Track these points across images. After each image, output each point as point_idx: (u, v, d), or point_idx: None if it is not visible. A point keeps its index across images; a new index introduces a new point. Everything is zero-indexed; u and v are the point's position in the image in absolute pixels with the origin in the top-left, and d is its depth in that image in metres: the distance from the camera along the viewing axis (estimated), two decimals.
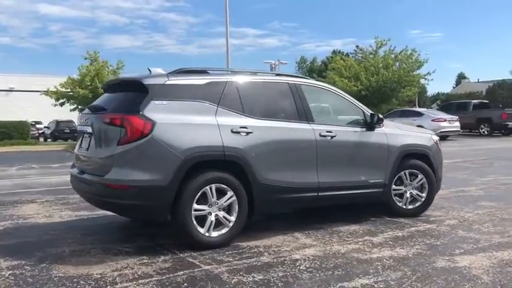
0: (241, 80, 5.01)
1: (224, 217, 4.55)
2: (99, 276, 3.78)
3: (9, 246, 4.74)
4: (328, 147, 5.24)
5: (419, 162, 5.95)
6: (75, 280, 3.69)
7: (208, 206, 4.48)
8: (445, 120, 21.93)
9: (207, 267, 3.98)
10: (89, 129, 4.74)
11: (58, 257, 4.33)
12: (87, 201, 5.03)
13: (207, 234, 4.46)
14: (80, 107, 23.36)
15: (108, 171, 4.29)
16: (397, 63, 27.83)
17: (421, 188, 5.97)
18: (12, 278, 3.76)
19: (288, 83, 5.28)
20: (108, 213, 5.79)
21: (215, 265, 4.02)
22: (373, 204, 6.08)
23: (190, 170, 4.35)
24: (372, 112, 5.73)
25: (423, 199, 5.95)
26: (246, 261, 4.14)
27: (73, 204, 6.91)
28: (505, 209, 6.32)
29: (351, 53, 40.83)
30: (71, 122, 33.49)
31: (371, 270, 3.86)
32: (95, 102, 5.15)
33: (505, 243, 4.67)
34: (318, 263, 4.08)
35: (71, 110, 23.94)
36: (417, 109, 27.13)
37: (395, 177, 5.80)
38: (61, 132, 34.17)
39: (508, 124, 24.90)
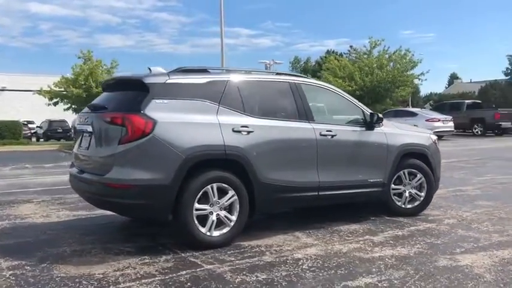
0: (241, 79, 5.00)
1: (225, 216, 4.54)
2: (101, 276, 3.75)
3: (8, 246, 4.69)
4: (329, 147, 5.24)
5: (418, 161, 5.97)
6: (77, 280, 3.66)
7: (210, 206, 4.47)
8: (439, 120, 22.05)
9: (209, 266, 3.96)
10: (89, 128, 4.70)
11: (59, 257, 4.30)
12: (87, 200, 4.99)
13: (208, 233, 4.45)
14: (73, 106, 23.23)
15: (109, 171, 4.26)
16: (391, 64, 27.98)
17: (419, 188, 5.99)
18: (13, 278, 3.72)
19: (288, 82, 5.28)
20: (107, 213, 5.77)
21: (217, 265, 4.01)
22: (372, 204, 6.10)
23: (191, 169, 4.33)
24: (372, 111, 5.74)
25: (422, 198, 5.97)
26: (249, 260, 4.13)
27: (70, 204, 6.86)
28: (503, 208, 6.35)
29: (344, 53, 40.98)
30: (64, 121, 33.35)
31: (374, 269, 3.87)
32: (95, 101, 5.11)
33: (505, 242, 4.69)
34: (321, 262, 4.07)
35: (64, 110, 23.79)
36: (411, 109, 27.25)
37: (395, 177, 5.82)
38: (54, 132, 33.94)
39: (501, 124, 25.10)
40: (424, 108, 36.73)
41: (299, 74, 5.89)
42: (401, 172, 5.87)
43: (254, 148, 4.66)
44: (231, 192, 4.55)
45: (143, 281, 3.64)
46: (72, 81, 22.30)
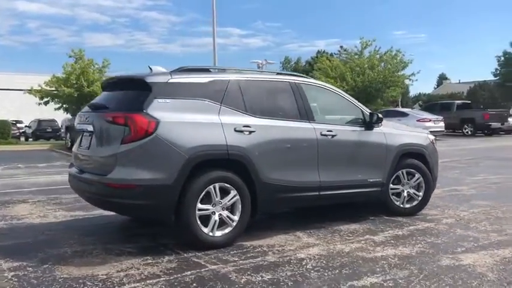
0: (243, 78, 4.99)
1: (228, 217, 4.53)
2: (104, 277, 3.72)
3: (7, 247, 4.64)
4: (329, 147, 5.25)
5: (417, 161, 6.01)
6: (80, 281, 3.62)
7: (212, 206, 4.46)
8: (430, 121, 22.18)
9: (213, 267, 3.95)
10: (90, 128, 4.66)
11: (60, 257, 4.26)
12: (87, 200, 4.95)
13: (210, 233, 4.43)
14: (64, 105, 23.00)
15: (110, 171, 4.22)
16: (382, 64, 28.11)
17: (418, 187, 6.02)
18: (16, 279, 3.68)
19: (289, 82, 5.29)
20: (105, 213, 5.74)
21: (221, 265, 4.00)
22: (370, 203, 6.13)
23: (194, 169, 4.31)
24: (371, 111, 5.77)
25: (420, 198, 6.01)
26: (252, 260, 4.12)
27: (67, 204, 6.80)
28: (499, 207, 6.41)
29: (335, 53, 41.13)
30: (54, 121, 33.01)
31: (378, 269, 3.88)
32: (95, 101, 5.07)
33: (505, 241, 4.74)
34: (324, 262, 4.08)
35: (55, 109, 23.55)
36: (402, 109, 27.38)
37: (393, 177, 5.84)
38: (43, 131, 33.54)
39: (490, 124, 25.37)
40: (414, 108, 36.98)
41: (299, 74, 5.88)
42: (400, 172, 5.91)
43: (256, 148, 4.65)
44: (233, 192, 4.54)
45: (148, 281, 3.61)
46: (64, 81, 22.07)
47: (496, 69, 38.83)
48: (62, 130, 29.67)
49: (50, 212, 6.30)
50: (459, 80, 74.12)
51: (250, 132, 4.66)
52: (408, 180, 5.97)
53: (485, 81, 52.11)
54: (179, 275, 3.74)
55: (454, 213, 6.07)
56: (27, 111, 33.49)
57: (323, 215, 5.78)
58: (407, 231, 5.18)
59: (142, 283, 3.58)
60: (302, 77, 5.73)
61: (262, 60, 32.87)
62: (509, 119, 27.72)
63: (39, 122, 33.67)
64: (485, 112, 26.35)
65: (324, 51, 52.55)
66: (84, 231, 5.26)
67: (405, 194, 5.96)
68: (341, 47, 33.41)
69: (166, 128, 4.25)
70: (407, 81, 29.75)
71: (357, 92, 27.05)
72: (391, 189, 5.88)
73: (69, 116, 22.62)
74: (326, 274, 3.76)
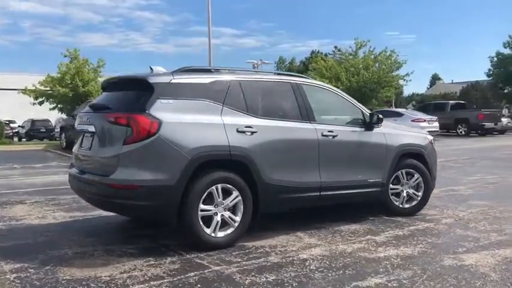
0: (244, 79, 4.98)
1: (230, 217, 4.52)
2: (108, 278, 3.70)
3: (8, 249, 4.60)
4: (330, 147, 5.26)
5: (416, 161, 6.03)
6: (84, 283, 3.60)
7: (214, 206, 4.45)
8: (424, 121, 22.27)
9: (216, 268, 3.94)
10: (91, 128, 4.63)
11: (61, 259, 4.23)
12: (87, 201, 4.93)
13: (213, 234, 4.43)
14: (59, 105, 22.86)
15: (113, 171, 4.20)
16: (377, 64, 28.21)
17: (417, 187, 6.05)
18: (18, 281, 3.65)
19: (290, 82, 5.29)
20: (103, 214, 5.72)
21: (225, 266, 3.99)
22: (369, 204, 6.14)
23: (196, 169, 4.30)
24: (371, 112, 5.78)
25: (419, 198, 6.03)
26: (255, 261, 4.12)
27: (65, 205, 6.76)
28: (497, 207, 6.45)
29: (329, 53, 41.19)
30: (47, 121, 32.85)
31: (381, 269, 3.89)
32: (96, 101, 5.05)
33: (505, 241, 4.77)
34: (327, 262, 4.08)
35: (50, 109, 23.40)
36: (397, 109, 27.47)
37: (393, 177, 5.86)
38: (36, 131, 33.33)
39: (484, 124, 25.52)
40: (407, 108, 37.14)
41: (300, 75, 5.89)
42: (399, 172, 5.93)
43: (258, 148, 4.65)
44: (235, 193, 4.53)
45: (152, 283, 3.60)
46: (58, 80, 21.94)
47: (489, 70, 39.02)
48: (56, 130, 29.56)
49: (48, 213, 6.26)
50: (452, 80, 74.70)
51: (252, 132, 4.66)
52: (407, 180, 5.99)
53: (477, 81, 52.45)
54: (183, 276, 3.73)
55: (453, 213, 6.10)
56: (21, 111, 33.20)
57: (323, 215, 5.79)
58: (408, 231, 5.20)
59: (146, 284, 3.56)
60: (302, 77, 5.74)
61: (257, 60, 32.96)
62: (503, 119, 27.96)
63: (33, 122, 33.46)
64: (480, 112, 26.50)
65: (318, 51, 52.70)
66: (84, 232, 5.22)
67: (404, 194, 5.98)
68: (335, 47, 33.55)
69: (169, 128, 4.23)
70: (401, 82, 29.89)
71: (352, 93, 27.06)
72: (391, 189, 5.90)
73: (63, 115, 22.52)
74: (330, 275, 3.76)
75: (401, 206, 5.98)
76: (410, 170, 6.00)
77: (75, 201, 6.88)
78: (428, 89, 77.44)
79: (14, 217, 6.02)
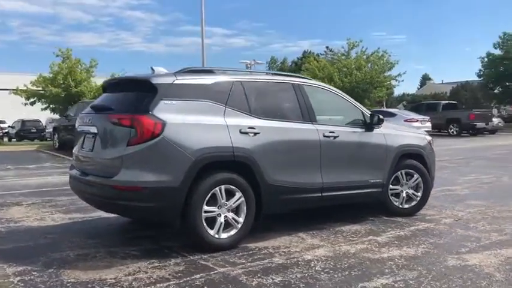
0: (246, 80, 4.98)
1: (233, 218, 4.51)
2: (113, 281, 3.67)
3: (9, 251, 4.55)
4: (332, 148, 5.27)
5: (415, 162, 6.06)
6: (89, 286, 3.58)
7: (218, 208, 4.44)
8: (417, 121, 22.40)
9: (222, 269, 3.93)
10: (93, 130, 4.59)
11: (64, 261, 4.19)
12: (89, 202, 4.89)
13: (216, 236, 4.41)
14: (51, 106, 22.66)
15: (116, 173, 4.17)
16: (369, 65, 28.33)
17: (416, 188, 6.08)
18: (22, 284, 3.61)
19: (291, 83, 5.29)
20: (103, 215, 5.69)
21: (230, 267, 3.98)
22: (368, 204, 6.16)
23: (200, 171, 4.29)
24: (372, 113, 5.80)
25: (418, 198, 6.06)
26: (260, 262, 4.11)
27: (62, 207, 6.70)
28: (494, 207, 6.50)
29: (321, 54, 41.30)
30: (38, 121, 32.59)
31: (386, 270, 3.90)
32: (97, 102, 5.00)
33: (506, 241, 4.81)
34: (332, 263, 4.09)
35: (42, 109, 23.19)
36: (390, 110, 27.59)
37: (393, 177, 5.88)
38: (27, 132, 33.04)
39: (476, 124, 25.72)
40: (399, 108, 37.33)
41: (300, 75, 5.89)
42: (399, 173, 5.95)
43: (261, 149, 4.64)
44: (238, 194, 4.52)
45: (158, 285, 3.58)
46: (51, 80, 21.75)
47: (480, 70, 39.35)
48: (47, 130, 29.31)
49: (46, 215, 6.20)
50: (442, 81, 75.23)
51: (255, 133, 4.65)
52: (407, 180, 6.02)
53: (467, 81, 52.88)
54: (189, 278, 3.71)
55: (452, 213, 6.14)
56: (13, 111, 32.85)
57: (323, 215, 5.80)
58: (409, 231, 5.22)
59: (153, 287, 3.54)
60: (303, 77, 5.75)
61: (250, 60, 32.91)
62: (494, 119, 28.21)
63: (23, 122, 33.18)
64: (471, 112, 26.70)
65: (310, 52, 52.79)
66: (84, 234, 5.18)
67: (404, 194, 6.01)
68: (327, 47, 33.66)
69: (173, 129, 4.21)
70: (393, 82, 30.05)
71: (345, 93, 27.21)
72: (390, 189, 5.92)
73: (54, 116, 22.32)
74: (336, 276, 3.77)
75: (400, 206, 6.00)
76: (410, 171, 6.03)
77: (72, 203, 6.83)
78: (418, 89, 78.00)
79: (12, 219, 5.96)
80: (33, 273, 3.86)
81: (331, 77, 27.74)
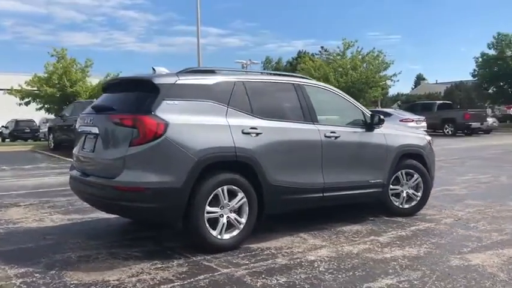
0: (248, 80, 4.97)
1: (235, 219, 4.50)
2: (117, 282, 3.65)
3: (10, 253, 4.51)
4: (333, 148, 5.27)
5: (415, 162, 6.07)
6: (93, 287, 3.55)
7: (220, 208, 4.42)
8: (412, 121, 22.42)
9: (225, 270, 3.91)
10: (94, 130, 4.56)
11: (65, 262, 4.16)
12: (90, 203, 4.86)
13: (219, 236, 4.40)
14: (46, 106, 22.53)
15: (118, 174, 4.15)
16: (365, 65, 28.40)
17: (416, 188, 6.09)
18: (25, 286, 3.58)
19: (292, 83, 5.28)
20: (102, 216, 5.66)
21: (233, 268, 3.96)
22: (368, 204, 6.17)
23: (203, 171, 4.27)
24: (372, 113, 5.81)
25: (419, 198, 6.07)
26: (263, 263, 4.10)
27: (61, 208, 6.65)
28: (493, 207, 6.52)
29: (315, 54, 41.33)
30: (32, 121, 32.46)
31: (390, 270, 3.90)
32: (98, 102, 4.97)
33: (507, 240, 4.82)
34: (336, 264, 4.08)
35: (37, 109, 23.05)
36: (386, 109, 27.65)
37: (393, 177, 5.89)
38: (21, 132, 32.95)
39: (471, 124, 25.82)
40: (393, 108, 37.43)
41: (301, 75, 5.89)
42: (399, 173, 5.96)
43: (263, 150, 4.63)
44: (241, 195, 4.51)
45: (162, 286, 3.56)
46: (46, 80, 21.62)
47: (474, 70, 39.55)
48: (41, 130, 29.16)
49: (45, 216, 6.15)
50: (436, 81, 75.56)
51: (257, 134, 4.64)
52: (407, 180, 6.03)
53: (461, 81, 53.15)
54: (192, 279, 3.69)
55: (451, 213, 6.16)
56: (7, 111, 32.63)
57: (323, 215, 5.80)
58: (410, 231, 5.23)
59: None
60: (304, 78, 5.74)
61: (246, 60, 32.91)
62: (488, 119, 28.34)
63: (17, 122, 33.08)
64: (466, 112, 26.81)
65: (304, 52, 52.82)
66: (85, 235, 5.14)
67: (404, 194, 6.01)
68: (322, 47, 33.71)
69: (175, 130, 4.19)
70: (389, 82, 30.14)
71: None
72: (391, 189, 5.93)
73: (48, 116, 22.19)
74: (340, 276, 3.76)
75: (401, 206, 6.01)
76: (410, 171, 6.04)
77: (71, 204, 6.80)
78: (413, 89, 78.26)
79: (11, 220, 5.91)
80: (35, 275, 3.82)
81: (327, 77, 27.77)
